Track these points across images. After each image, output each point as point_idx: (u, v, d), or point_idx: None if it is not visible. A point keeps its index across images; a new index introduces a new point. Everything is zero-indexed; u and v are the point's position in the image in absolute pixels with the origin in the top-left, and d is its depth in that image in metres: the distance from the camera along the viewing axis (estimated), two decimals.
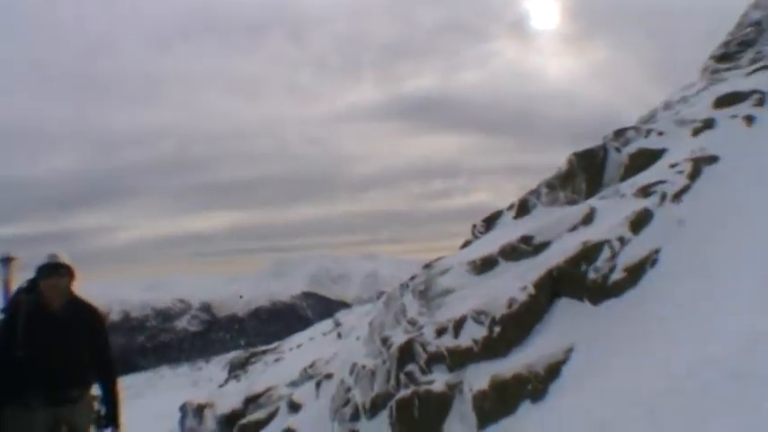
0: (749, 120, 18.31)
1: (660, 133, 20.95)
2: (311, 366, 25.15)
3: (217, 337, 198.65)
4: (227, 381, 38.82)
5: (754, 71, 23.54)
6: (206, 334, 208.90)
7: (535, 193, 20.72)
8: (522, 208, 20.45)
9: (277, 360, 35.68)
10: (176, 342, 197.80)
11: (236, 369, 39.82)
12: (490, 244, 16.36)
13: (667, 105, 34.75)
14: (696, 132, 19.13)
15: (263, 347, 44.56)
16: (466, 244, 21.85)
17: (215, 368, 79.48)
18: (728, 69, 36.54)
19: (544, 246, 14.33)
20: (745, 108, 19.18)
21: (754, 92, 19.80)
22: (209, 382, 59.71)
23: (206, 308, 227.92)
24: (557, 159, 21.99)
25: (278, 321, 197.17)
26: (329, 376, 21.39)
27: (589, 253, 12.63)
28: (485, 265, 15.02)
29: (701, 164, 16.08)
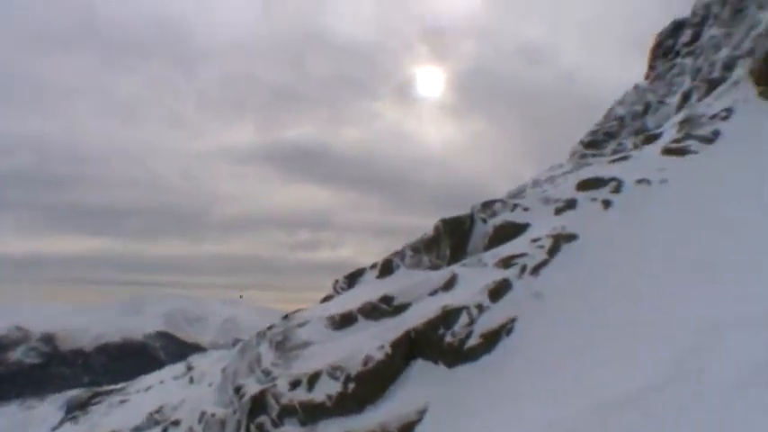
0: (606, 203, 21.71)
1: (526, 209, 24.08)
2: (158, 411, 25.90)
3: (57, 372, 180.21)
4: (62, 422, 39.54)
5: (615, 160, 27.69)
6: (45, 368, 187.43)
7: (400, 254, 23.02)
8: (386, 268, 22.68)
9: (123, 402, 36.61)
10: (8, 376, 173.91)
11: (76, 409, 40.03)
12: (351, 301, 17.50)
13: (536, 183, 39.36)
14: (558, 211, 22.47)
15: (109, 387, 45.51)
16: (327, 298, 23.57)
17: (50, 407, 74.33)
18: (594, 156, 42.58)
19: (404, 307, 15.63)
20: (604, 193, 22.74)
21: (613, 179, 23.47)
22: (41, 424, 58.09)
23: (48, 339, 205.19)
24: (425, 223, 24.46)
25: (128, 359, 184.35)
26: (177, 423, 22.07)
27: (447, 317, 14.08)
28: (344, 322, 16.06)
29: (560, 240, 18.70)
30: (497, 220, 22.46)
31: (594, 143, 48.16)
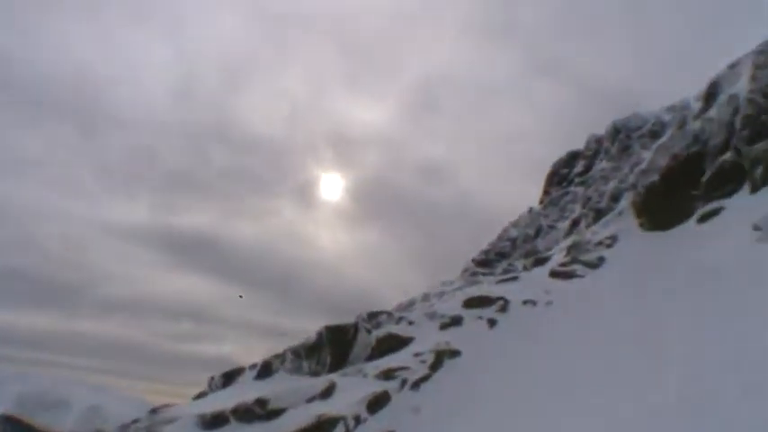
0: (492, 322, 23.32)
1: (411, 322, 25.36)
2: None
3: None
4: None
5: (504, 280, 29.84)
6: None
7: (281, 357, 23.85)
8: (265, 370, 23.53)
9: None
10: None
11: None
12: (225, 400, 17.46)
13: (426, 297, 41.25)
14: (444, 327, 23.86)
15: None
16: (200, 395, 24.26)
17: None
18: (485, 274, 45.15)
19: (279, 412, 15.90)
20: (490, 311, 24.55)
21: (500, 298, 25.32)
22: None
23: None
24: (311, 327, 24.89)
25: None
26: None
27: (322, 427, 14.59)
28: (215, 422, 15.95)
29: (443, 356, 19.86)
30: (381, 332, 23.56)
31: (486, 262, 51.48)
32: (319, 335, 22.99)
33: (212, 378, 24.70)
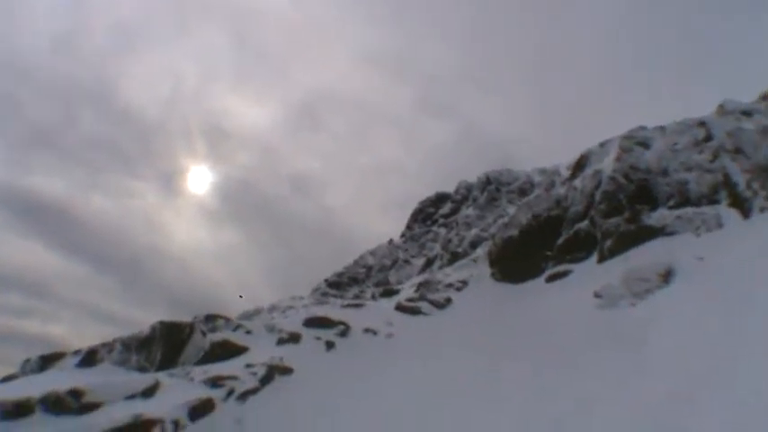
0: (330, 345, 23.12)
1: (249, 332, 24.56)
2: None
3: None
4: None
5: (350, 306, 29.79)
6: None
7: (108, 346, 22.09)
8: (89, 358, 21.68)
9: None
10: None
11: None
12: (36, 386, 15.43)
13: (272, 309, 40.52)
14: (281, 342, 23.51)
15: None
16: (9, 378, 22.10)
17: None
18: (334, 296, 45.06)
19: (93, 407, 14.23)
20: (330, 333, 24.39)
21: (342, 323, 25.23)
22: None
23: None
24: (149, 320, 23.21)
25: None
26: None
27: (138, 428, 13.42)
28: (18, 411, 13.88)
29: (275, 371, 19.27)
30: (217, 337, 22.79)
31: (338, 284, 51.50)
32: (153, 329, 21.60)
33: (27, 360, 22.75)
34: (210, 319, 25.53)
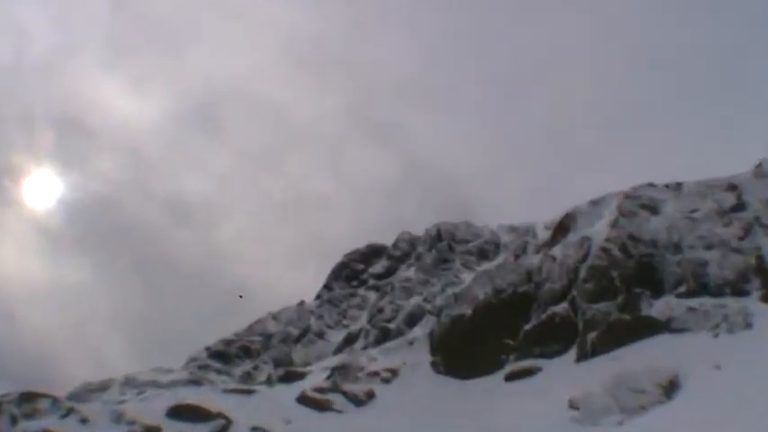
0: None
1: (84, 420, 23.13)
2: None
3: None
4: None
5: (236, 390, 28.83)
6: None
7: None
8: None
9: None
10: None
11: None
12: None
13: (127, 382, 39.21)
14: None
15: None
16: None
17: None
18: (217, 372, 43.57)
19: None
20: (202, 430, 23.12)
21: (222, 416, 24.08)
22: None
23: None
24: None
25: None
26: None
27: None
28: None
29: None
30: (34, 427, 21.99)
31: (224, 356, 49.70)
32: None
33: None
34: (28, 398, 23.96)
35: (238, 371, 43.98)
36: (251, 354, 49.44)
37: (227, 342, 51.79)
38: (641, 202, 28.24)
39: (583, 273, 27.15)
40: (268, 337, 50.98)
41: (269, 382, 33.07)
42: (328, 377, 31.55)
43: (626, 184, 29.78)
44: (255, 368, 43.02)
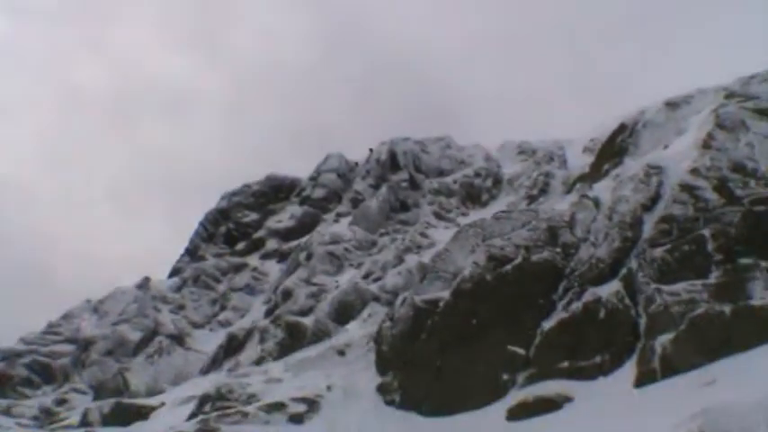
0: None
1: None
2: None
3: None
4: None
5: None
6: None
7: None
8: None
9: None
10: None
11: None
12: None
13: None
14: None
15: None
16: None
17: None
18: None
19: None
20: None
21: None
22: None
23: None
24: None
25: None
26: None
27: None
28: None
29: None
30: None
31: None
32: None
33: None
34: None
35: (32, 407, 43.71)
36: (52, 376, 48.90)
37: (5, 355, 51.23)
38: (757, 106, 27.91)
39: (649, 229, 27.09)
40: (84, 345, 50.38)
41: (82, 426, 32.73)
42: (191, 416, 31.18)
43: (713, 77, 29.71)
44: (60, 402, 42.80)
